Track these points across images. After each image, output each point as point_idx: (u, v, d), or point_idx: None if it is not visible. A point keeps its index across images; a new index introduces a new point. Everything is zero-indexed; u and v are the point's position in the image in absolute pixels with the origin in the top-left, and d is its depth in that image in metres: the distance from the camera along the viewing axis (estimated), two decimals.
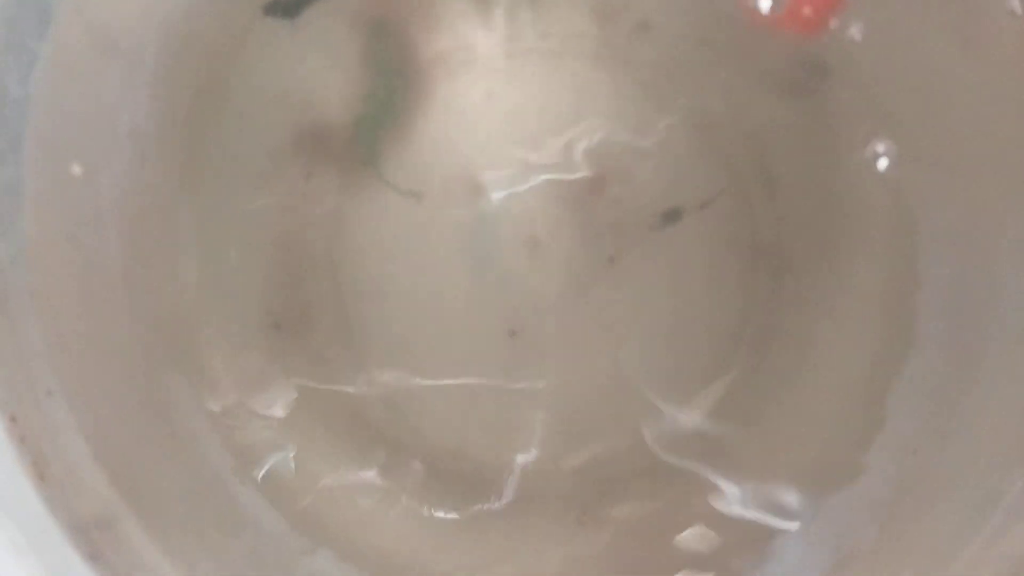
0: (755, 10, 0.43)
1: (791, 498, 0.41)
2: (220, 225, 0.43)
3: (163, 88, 0.41)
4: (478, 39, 0.44)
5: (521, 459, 0.43)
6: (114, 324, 0.38)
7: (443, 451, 0.43)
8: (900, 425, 0.40)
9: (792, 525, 0.40)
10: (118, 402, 0.38)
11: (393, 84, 0.44)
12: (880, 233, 0.41)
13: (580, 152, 0.43)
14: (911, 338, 0.40)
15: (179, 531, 0.37)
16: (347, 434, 0.43)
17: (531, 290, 0.44)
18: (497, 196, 0.43)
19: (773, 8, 0.43)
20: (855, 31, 0.42)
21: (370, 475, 0.43)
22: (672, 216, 0.43)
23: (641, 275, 0.43)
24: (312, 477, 0.42)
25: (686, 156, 0.43)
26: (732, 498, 0.42)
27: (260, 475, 0.41)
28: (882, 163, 0.41)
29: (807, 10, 0.42)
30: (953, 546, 0.35)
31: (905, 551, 0.38)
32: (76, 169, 0.38)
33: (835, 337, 0.42)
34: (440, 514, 0.43)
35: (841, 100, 0.42)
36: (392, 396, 0.43)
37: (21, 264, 0.34)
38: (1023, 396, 0.36)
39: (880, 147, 0.42)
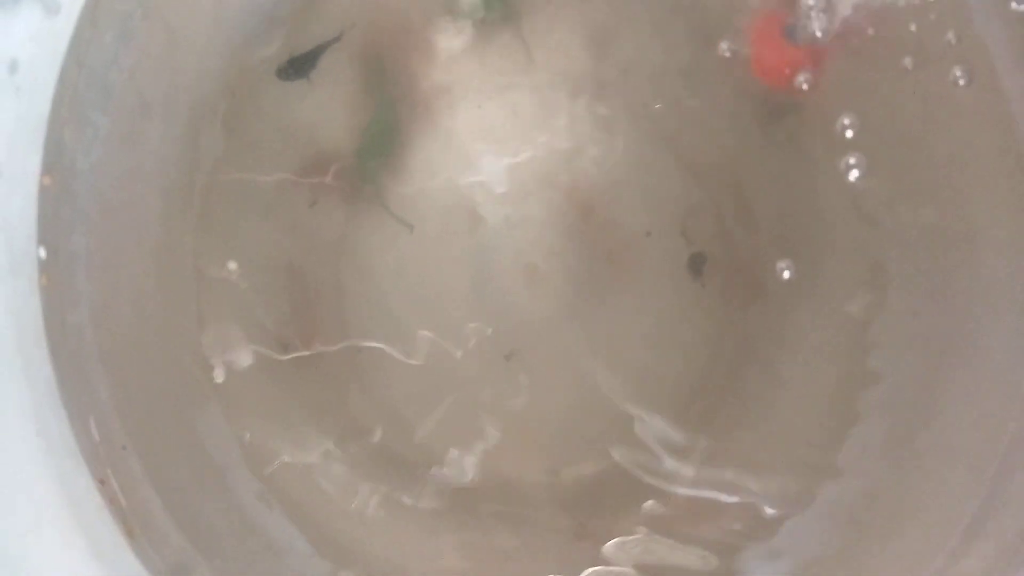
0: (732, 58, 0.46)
1: (765, 508, 0.44)
2: (232, 254, 0.43)
3: (189, 137, 0.43)
4: (473, 74, 0.45)
5: (521, 474, 0.45)
6: (160, 371, 0.39)
7: (448, 466, 0.44)
8: (867, 440, 0.44)
9: (769, 528, 0.44)
10: (173, 446, 0.40)
11: (392, 116, 0.44)
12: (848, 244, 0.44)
13: (572, 181, 0.45)
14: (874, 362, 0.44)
15: (240, 563, 0.39)
16: (358, 458, 0.44)
17: (528, 316, 0.45)
18: (494, 226, 0.45)
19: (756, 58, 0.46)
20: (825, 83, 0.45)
21: (381, 495, 0.45)
22: (655, 240, 0.45)
23: (628, 298, 0.44)
24: (333, 499, 0.44)
25: (667, 181, 0.44)
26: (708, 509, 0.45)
27: (278, 491, 0.43)
28: (851, 175, 0.43)
29: (782, 68, 0.46)
30: (916, 564, 0.40)
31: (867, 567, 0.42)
32: (126, 231, 0.39)
33: (805, 356, 0.44)
34: (444, 525, 0.44)
35: (811, 126, 0.44)
36: (397, 416, 0.44)
37: (91, 327, 0.36)
38: (984, 418, 0.41)
39: (848, 163, 0.43)
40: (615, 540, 0.44)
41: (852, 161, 0.43)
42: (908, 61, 0.41)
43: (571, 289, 0.45)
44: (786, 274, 0.43)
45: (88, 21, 0.32)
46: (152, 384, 0.36)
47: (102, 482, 0.31)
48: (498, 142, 0.45)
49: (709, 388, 0.44)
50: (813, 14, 0.43)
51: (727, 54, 0.43)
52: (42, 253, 0.31)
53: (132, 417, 0.34)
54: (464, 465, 0.44)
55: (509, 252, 0.44)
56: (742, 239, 0.44)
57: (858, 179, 0.42)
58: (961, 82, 0.40)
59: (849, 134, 0.42)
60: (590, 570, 0.41)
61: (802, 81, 0.43)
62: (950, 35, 0.41)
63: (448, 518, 0.44)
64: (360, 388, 0.44)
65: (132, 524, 0.32)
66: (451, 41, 0.45)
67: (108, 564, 0.29)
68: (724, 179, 0.44)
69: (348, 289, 0.44)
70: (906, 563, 0.39)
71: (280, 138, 0.43)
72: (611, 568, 0.42)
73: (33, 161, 0.29)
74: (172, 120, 0.38)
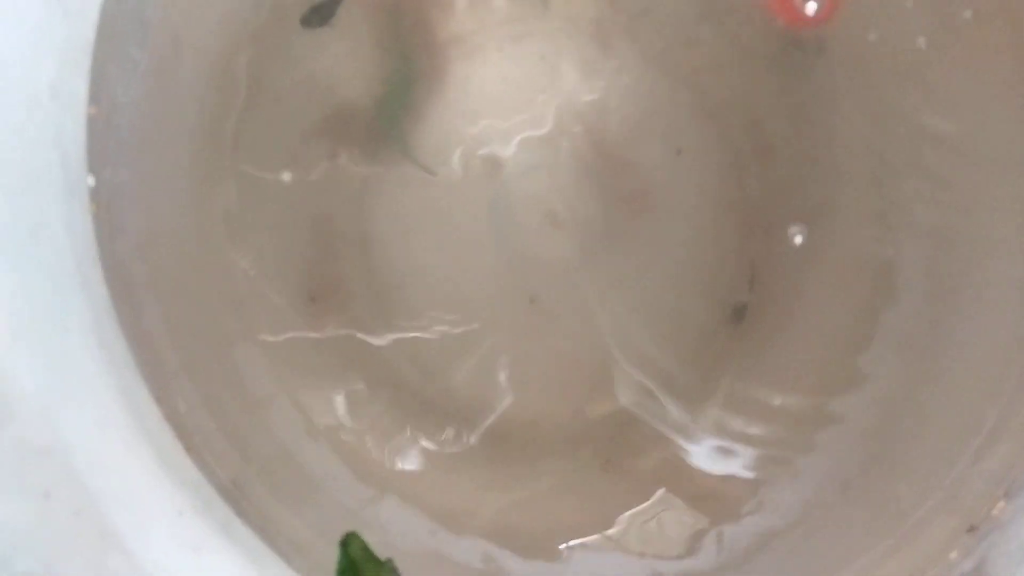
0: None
1: (789, 435, 0.45)
2: (261, 205, 0.44)
3: (218, 81, 0.43)
4: (489, 22, 0.46)
5: (548, 411, 0.45)
6: (202, 307, 0.40)
7: (471, 408, 0.45)
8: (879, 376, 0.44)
9: (792, 456, 0.44)
10: (218, 377, 0.41)
11: (411, 67, 0.45)
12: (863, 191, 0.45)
13: (589, 125, 0.45)
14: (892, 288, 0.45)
15: (288, 487, 0.40)
16: (384, 396, 0.44)
17: (550, 258, 0.46)
18: (515, 171, 0.45)
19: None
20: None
21: (415, 436, 0.45)
22: (676, 177, 0.46)
23: (647, 240, 0.45)
24: (363, 433, 0.44)
25: (688, 124, 0.45)
26: (734, 446, 0.45)
27: (322, 428, 0.44)
28: (863, 127, 0.44)
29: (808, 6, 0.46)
30: (941, 465, 0.41)
31: (896, 474, 0.42)
32: (164, 169, 0.40)
33: (822, 289, 0.45)
34: (467, 461, 0.45)
35: (832, 74, 0.44)
36: (423, 360, 0.45)
37: (140, 259, 0.37)
38: (999, 332, 0.41)
39: (863, 113, 0.44)
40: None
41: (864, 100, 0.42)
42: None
43: (591, 233, 0.45)
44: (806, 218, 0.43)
45: None
46: (195, 318, 0.37)
47: (159, 401, 0.32)
48: (516, 89, 0.45)
49: (728, 329, 0.45)
50: None
51: None
52: (91, 181, 0.32)
53: (182, 346, 0.35)
54: (492, 405, 0.45)
55: (529, 198, 0.45)
56: (759, 176, 0.45)
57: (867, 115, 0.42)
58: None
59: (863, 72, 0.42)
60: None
61: (816, 14, 0.43)
62: None
63: (479, 456, 0.44)
64: (387, 334, 0.45)
65: (190, 439, 0.33)
66: None
67: (171, 470, 0.30)
68: (742, 118, 0.45)
69: (372, 238, 0.45)
70: (931, 466, 0.39)
71: (303, 89, 0.44)
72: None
73: (81, 86, 0.30)
74: (202, 62, 0.39)
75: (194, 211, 0.39)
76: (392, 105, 0.45)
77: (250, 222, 0.43)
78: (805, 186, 0.44)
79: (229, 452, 0.35)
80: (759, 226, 0.45)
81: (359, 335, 0.45)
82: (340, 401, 0.44)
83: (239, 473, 0.34)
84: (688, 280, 0.45)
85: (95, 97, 0.32)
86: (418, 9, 0.45)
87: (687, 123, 0.45)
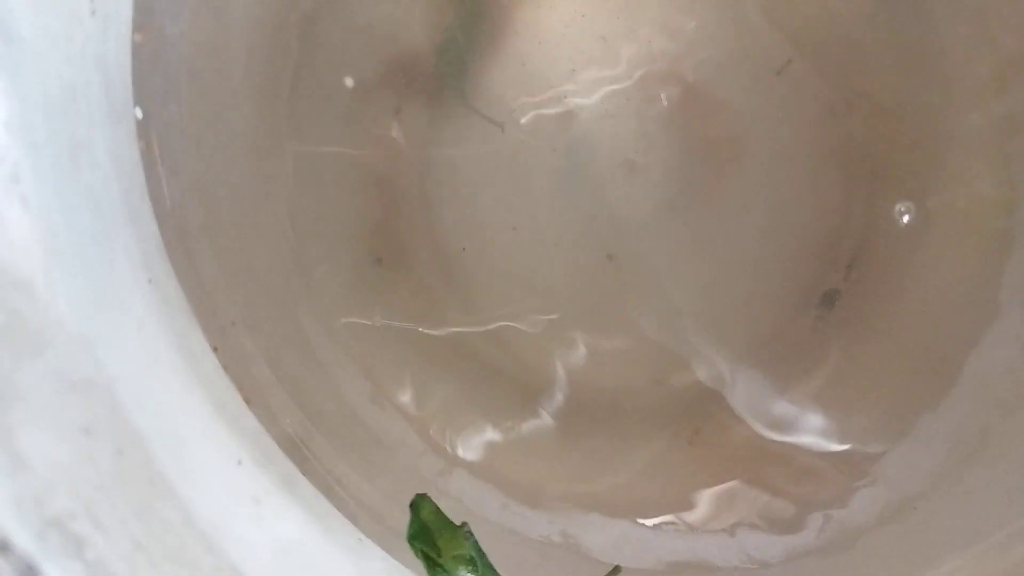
0: None
1: (886, 420, 0.41)
2: (321, 163, 0.41)
3: (271, 28, 0.41)
4: None
5: (627, 381, 0.42)
6: (264, 260, 0.38)
7: (544, 378, 0.42)
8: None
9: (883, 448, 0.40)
10: (279, 333, 0.38)
11: (477, 10, 0.42)
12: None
13: (670, 69, 0.42)
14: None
15: (355, 450, 0.38)
16: (450, 360, 0.42)
17: (628, 212, 0.43)
18: (588, 121, 0.42)
19: None
20: None
21: (477, 399, 0.42)
22: (768, 121, 0.42)
23: (739, 190, 0.42)
24: (428, 403, 0.42)
25: (775, 63, 0.42)
26: (826, 425, 0.42)
27: (390, 397, 0.42)
28: (982, 70, 0.40)
29: None
30: None
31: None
32: (217, 109, 0.37)
33: (932, 250, 0.41)
34: (541, 433, 0.42)
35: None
36: (493, 326, 0.42)
37: (195, 202, 0.34)
38: None
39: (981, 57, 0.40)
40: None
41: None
42: None
43: (673, 183, 0.42)
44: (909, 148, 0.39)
45: None
46: (253, 268, 0.35)
47: (216, 349, 0.30)
48: (589, 33, 0.42)
49: (825, 294, 0.41)
50: None
51: None
52: (139, 113, 0.29)
53: (239, 295, 0.33)
54: (567, 374, 0.42)
55: (605, 147, 0.42)
56: (864, 124, 0.41)
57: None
58: None
59: None
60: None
61: None
62: None
63: (552, 428, 0.41)
64: (457, 297, 0.42)
65: (249, 389, 0.30)
66: None
67: (228, 418, 0.27)
68: (838, 56, 0.41)
69: (437, 195, 0.42)
70: None
71: (361, 39, 0.41)
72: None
73: (125, 9, 0.28)
74: (254, 8, 0.36)
75: (253, 161, 0.36)
76: (455, 51, 0.42)
77: (312, 179, 0.40)
78: (917, 142, 0.40)
79: (291, 407, 0.32)
80: (862, 192, 0.41)
81: (425, 296, 0.42)
82: (408, 370, 0.40)
83: (302, 429, 0.31)
84: (775, 252, 0.42)
85: (140, 24, 0.29)
86: None
87: (783, 56, 0.41)
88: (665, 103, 0.42)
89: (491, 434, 0.41)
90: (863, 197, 0.41)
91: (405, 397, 0.40)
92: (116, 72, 0.28)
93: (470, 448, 0.41)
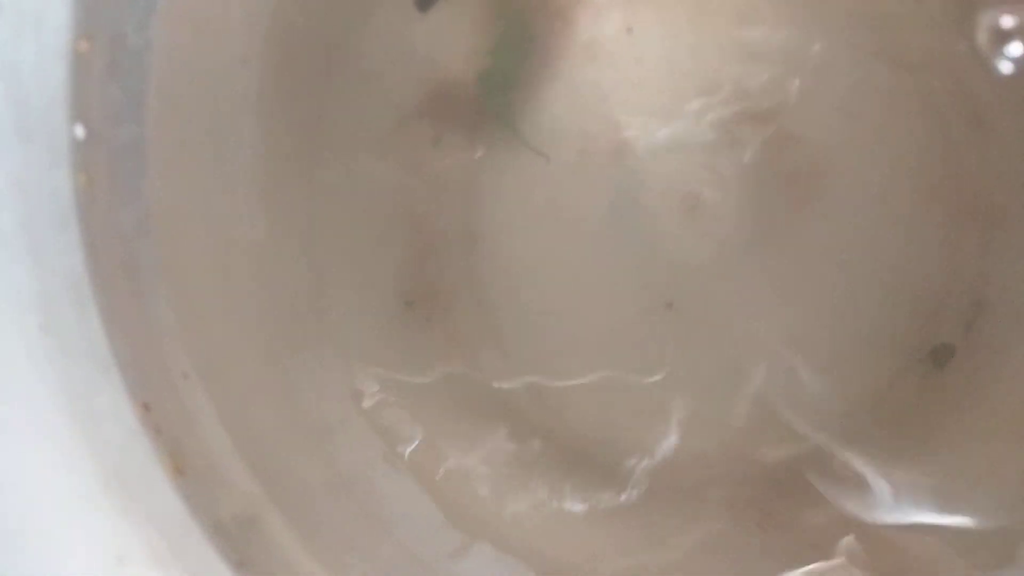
0: None
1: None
2: (348, 195, 0.36)
3: (286, 40, 0.36)
4: None
5: (688, 448, 0.36)
6: (251, 300, 0.33)
7: (591, 441, 0.36)
8: None
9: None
10: (257, 386, 0.32)
11: (524, 33, 0.37)
12: None
13: (742, 89, 0.36)
14: None
15: (327, 530, 0.32)
16: (487, 420, 0.36)
17: (690, 256, 0.36)
18: (646, 152, 0.36)
19: None
20: None
21: (517, 464, 0.36)
22: (853, 159, 0.36)
23: (816, 234, 0.35)
24: (454, 466, 0.37)
25: (869, 83, 0.35)
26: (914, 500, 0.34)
27: (407, 457, 0.36)
28: None
29: None
30: None
31: None
32: (200, 130, 0.32)
33: None
34: (592, 501, 0.36)
35: None
36: (538, 383, 0.36)
37: (148, 234, 0.30)
38: None
39: None
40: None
41: None
42: None
43: (743, 222, 0.36)
44: None
45: None
46: (232, 312, 0.29)
47: (146, 407, 0.24)
48: (650, 55, 0.37)
49: (921, 373, 0.34)
50: None
51: None
52: (79, 132, 0.24)
53: (203, 344, 0.27)
54: (619, 435, 0.36)
55: (663, 180, 0.36)
56: (974, 153, 0.34)
57: None
58: None
59: None
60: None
61: None
62: None
63: (605, 497, 0.36)
64: (495, 347, 0.37)
65: (183, 461, 0.24)
66: None
67: (132, 499, 0.21)
68: (950, 90, 0.35)
69: (478, 234, 0.37)
70: None
71: (396, 62, 0.37)
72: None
73: (54, 6, 0.23)
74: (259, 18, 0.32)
75: (254, 191, 0.32)
76: (498, 77, 0.37)
77: (336, 212, 0.36)
78: None
79: (246, 479, 0.26)
80: (978, 229, 0.34)
81: (461, 348, 0.37)
82: (433, 427, 0.35)
83: (254, 507, 0.25)
84: (868, 301, 0.35)
85: (88, 31, 0.24)
86: None
87: (873, 83, 0.35)
88: (735, 132, 0.36)
89: (526, 502, 0.36)
90: (976, 241, 0.33)
91: (424, 458, 0.35)
92: (33, 84, 0.23)
93: (499, 518, 0.35)
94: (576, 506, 0.35)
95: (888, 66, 0.35)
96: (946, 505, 0.31)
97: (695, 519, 0.35)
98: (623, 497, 0.35)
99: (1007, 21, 0.31)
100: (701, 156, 0.36)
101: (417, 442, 0.35)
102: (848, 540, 0.32)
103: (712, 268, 0.36)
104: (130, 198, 0.26)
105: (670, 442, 0.36)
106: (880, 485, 0.33)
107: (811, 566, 0.32)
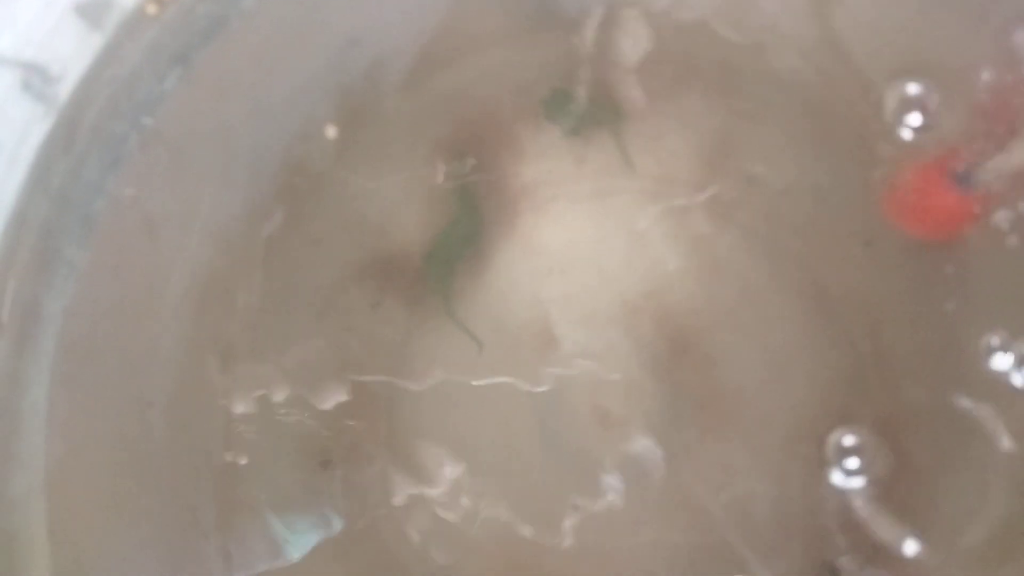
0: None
1: None
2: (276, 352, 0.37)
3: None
4: (566, 175, 0.39)
5: None
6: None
7: None
8: None
9: None
10: None
11: (474, 217, 0.38)
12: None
13: (666, 308, 0.37)
14: None
15: None
16: None
17: (598, 467, 0.37)
18: (568, 351, 0.37)
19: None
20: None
21: None
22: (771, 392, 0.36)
23: (726, 460, 0.36)
24: None
25: (790, 317, 0.36)
26: None
27: None
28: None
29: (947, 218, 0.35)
30: None
31: None
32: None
33: None
34: None
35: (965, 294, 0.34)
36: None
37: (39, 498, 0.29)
38: None
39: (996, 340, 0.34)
40: None
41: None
42: None
43: (651, 441, 0.37)
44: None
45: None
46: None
47: None
48: (586, 254, 0.38)
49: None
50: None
51: (875, 183, 0.36)
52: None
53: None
54: None
55: (581, 389, 0.37)
56: (884, 396, 0.36)
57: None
58: None
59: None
60: None
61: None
62: None
63: None
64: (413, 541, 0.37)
65: None
66: (544, 140, 0.38)
67: None
68: (861, 321, 0.36)
69: (401, 403, 0.38)
70: None
71: (346, 233, 0.38)
72: None
73: None
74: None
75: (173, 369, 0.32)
76: (443, 257, 0.38)
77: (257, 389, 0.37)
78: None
79: None
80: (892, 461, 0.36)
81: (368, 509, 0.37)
82: None
83: None
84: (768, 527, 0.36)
85: None
86: (490, 154, 0.39)
87: (791, 315, 0.36)
88: (654, 349, 0.37)
89: None
90: None
91: None
92: None
93: None
94: None
95: (808, 299, 0.37)
96: None
97: None
98: None
99: None
100: (619, 367, 0.38)
101: None
102: None
103: (615, 484, 0.37)
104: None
105: None
106: None
107: None
